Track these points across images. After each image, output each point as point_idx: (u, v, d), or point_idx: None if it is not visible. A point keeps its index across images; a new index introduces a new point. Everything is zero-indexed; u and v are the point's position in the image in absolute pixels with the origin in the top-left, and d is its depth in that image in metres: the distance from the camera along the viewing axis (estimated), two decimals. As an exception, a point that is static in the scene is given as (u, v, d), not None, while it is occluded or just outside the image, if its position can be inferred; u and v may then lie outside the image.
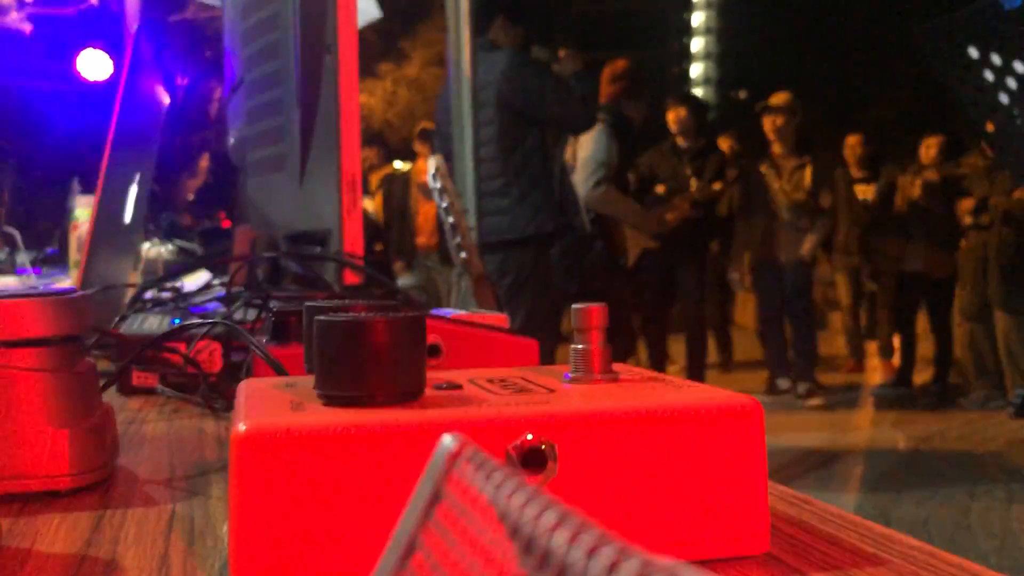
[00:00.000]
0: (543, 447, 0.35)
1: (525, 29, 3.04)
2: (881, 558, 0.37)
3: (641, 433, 0.36)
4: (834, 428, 4.42)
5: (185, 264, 1.74)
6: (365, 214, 0.97)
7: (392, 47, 11.34)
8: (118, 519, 0.45)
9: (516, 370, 0.47)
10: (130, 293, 1.22)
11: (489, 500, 0.18)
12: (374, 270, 0.94)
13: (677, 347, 5.20)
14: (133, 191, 1.28)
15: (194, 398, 0.71)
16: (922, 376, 5.25)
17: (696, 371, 4.88)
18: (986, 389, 4.68)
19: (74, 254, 1.85)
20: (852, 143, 5.52)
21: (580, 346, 0.42)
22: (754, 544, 0.37)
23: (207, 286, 1.14)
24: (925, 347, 5.29)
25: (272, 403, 0.37)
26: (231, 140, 1.38)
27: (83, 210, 1.78)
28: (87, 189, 2.38)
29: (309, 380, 0.42)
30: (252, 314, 0.87)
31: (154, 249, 1.75)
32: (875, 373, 5.67)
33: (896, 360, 5.40)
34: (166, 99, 1.56)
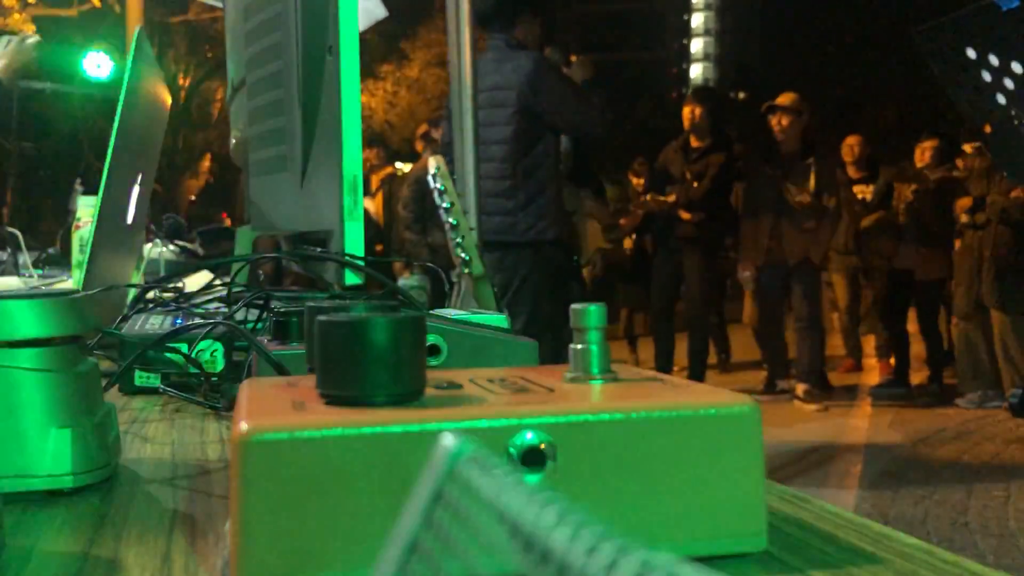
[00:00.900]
0: (543, 446, 0.35)
1: (545, 28, 3.04)
2: (879, 556, 0.37)
3: (640, 433, 0.36)
4: (832, 427, 4.42)
5: (187, 264, 1.74)
6: (366, 214, 0.97)
7: (393, 48, 11.33)
8: (120, 518, 0.45)
9: (516, 370, 0.47)
10: (132, 293, 1.22)
11: (489, 499, 0.18)
12: (374, 270, 0.94)
13: (677, 348, 5.20)
14: (135, 192, 1.28)
15: (196, 398, 0.72)
16: (919, 376, 5.25)
17: (697, 371, 4.89)
18: (983, 388, 4.68)
19: (76, 255, 1.85)
20: (851, 144, 5.52)
21: (580, 346, 0.42)
22: (752, 542, 0.37)
23: (209, 286, 1.14)
24: (921, 346, 5.29)
25: (274, 403, 0.37)
26: (232, 141, 1.39)
27: (85, 210, 1.78)
28: (89, 189, 2.38)
29: (310, 380, 0.42)
30: (253, 314, 0.87)
31: (156, 249, 1.75)
32: (872, 372, 5.67)
33: (893, 359, 5.40)
34: (168, 99, 1.56)
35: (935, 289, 5.09)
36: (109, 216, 1.10)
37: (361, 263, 0.88)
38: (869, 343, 5.90)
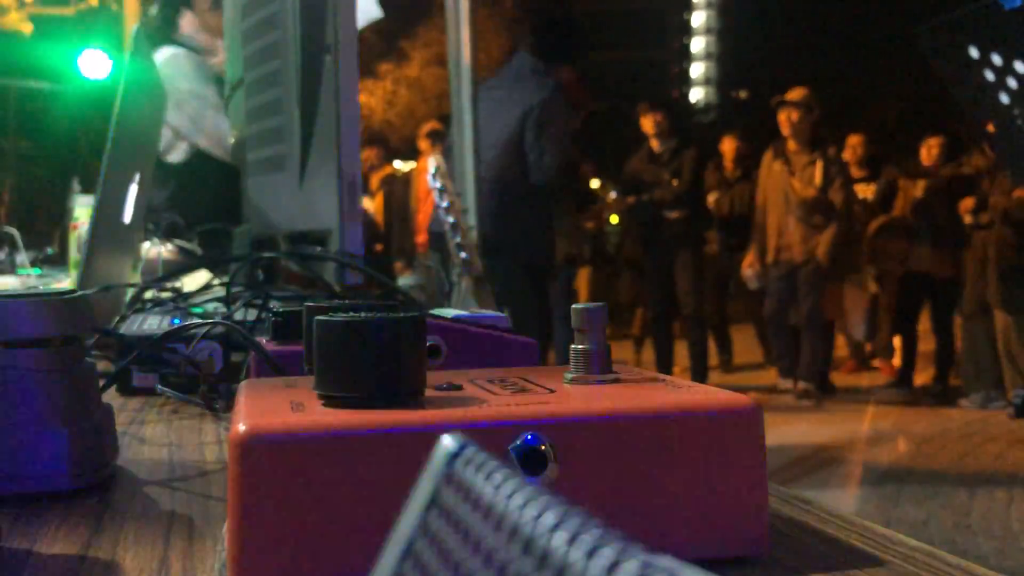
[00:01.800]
0: (543, 447, 0.35)
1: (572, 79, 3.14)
2: (881, 559, 0.37)
3: (641, 433, 0.36)
4: (834, 428, 4.42)
5: (185, 264, 1.74)
6: (365, 214, 0.97)
7: (392, 47, 11.34)
8: (118, 520, 0.45)
9: (516, 370, 0.47)
10: (130, 293, 1.22)
11: (489, 500, 0.18)
12: (374, 270, 0.94)
13: (678, 348, 5.21)
14: (133, 191, 1.28)
15: (194, 399, 0.71)
16: (922, 377, 5.25)
17: (700, 368, 4.89)
18: (986, 389, 4.67)
19: (74, 254, 1.85)
20: (853, 143, 5.51)
21: (580, 346, 0.42)
22: (754, 545, 0.37)
23: (207, 286, 1.14)
24: (926, 347, 5.29)
25: (272, 403, 0.37)
26: (231, 140, 1.38)
27: (83, 210, 1.78)
28: (87, 189, 2.38)
29: (309, 380, 0.42)
30: (252, 314, 0.87)
31: (154, 249, 1.75)
32: (875, 373, 5.67)
33: (897, 360, 5.40)
34: (166, 98, 1.56)
35: (951, 288, 5.07)
36: (107, 215, 1.10)
37: (360, 263, 0.88)
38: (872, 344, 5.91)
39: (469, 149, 2.67)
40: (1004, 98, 1.14)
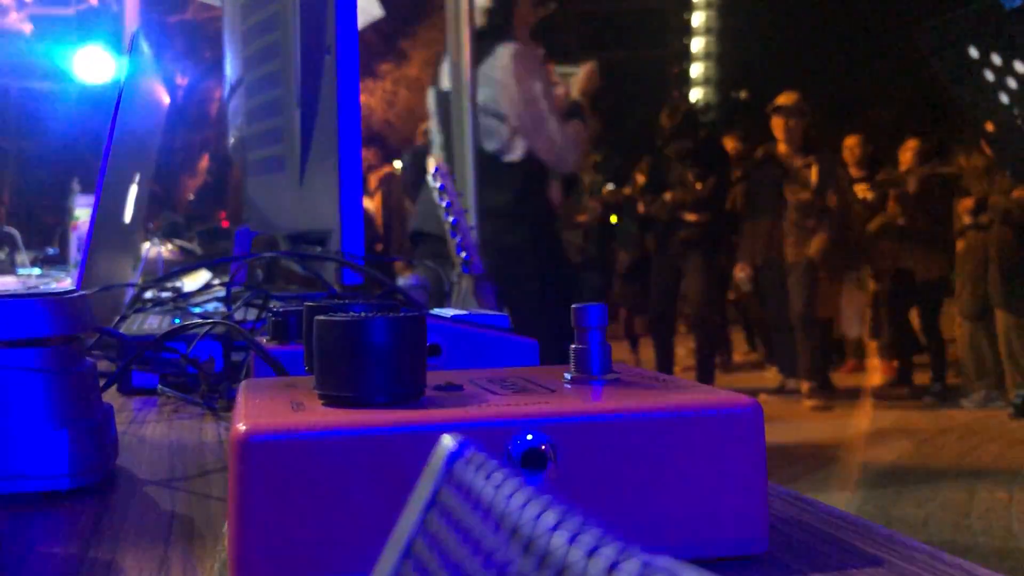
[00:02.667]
0: (543, 447, 0.35)
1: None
2: (881, 559, 0.37)
3: (641, 433, 0.36)
4: (835, 428, 4.42)
5: (185, 264, 1.74)
6: (364, 214, 0.97)
7: (392, 47, 11.33)
8: (118, 520, 0.45)
9: (516, 370, 0.47)
10: (130, 293, 1.22)
11: (489, 501, 0.18)
12: (374, 270, 0.94)
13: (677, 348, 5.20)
14: (133, 191, 1.28)
15: (194, 398, 0.71)
16: (921, 377, 5.25)
17: (705, 371, 4.89)
18: (986, 389, 4.67)
19: (74, 254, 1.85)
20: (851, 144, 5.52)
21: (580, 346, 0.42)
22: (754, 544, 0.37)
23: (207, 286, 1.14)
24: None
25: (272, 403, 0.37)
26: (231, 140, 1.38)
27: (83, 210, 1.78)
28: (87, 189, 2.38)
29: (309, 380, 0.42)
30: (252, 314, 0.87)
31: (154, 249, 1.75)
32: (875, 373, 5.67)
33: (895, 360, 5.40)
34: (166, 99, 1.56)
35: (935, 288, 5.09)
36: (107, 215, 1.10)
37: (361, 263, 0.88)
38: (873, 343, 5.91)
39: (469, 149, 2.66)
40: (1004, 98, 1.14)
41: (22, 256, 2.29)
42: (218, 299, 1.06)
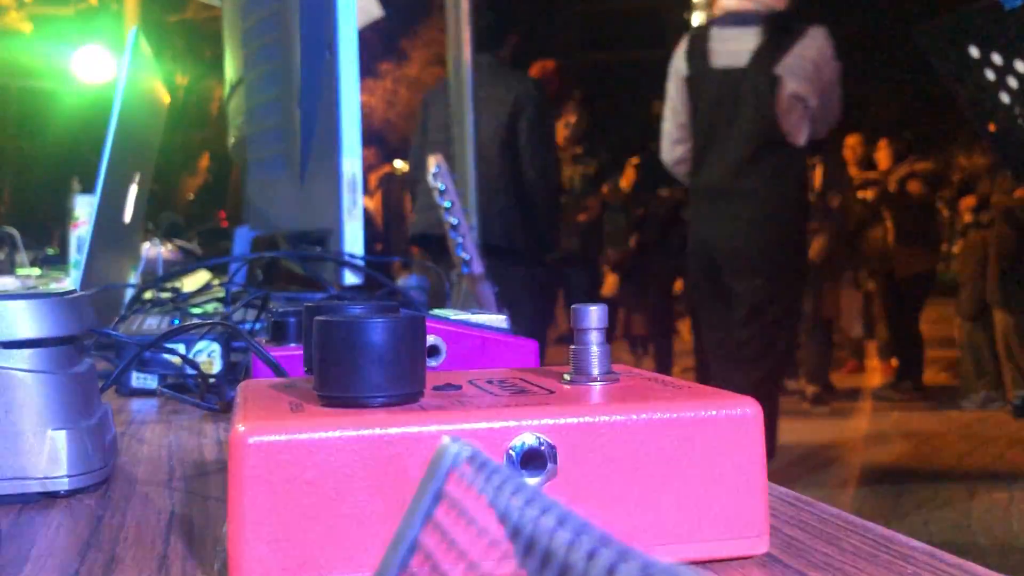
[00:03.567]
0: (543, 448, 0.35)
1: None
2: (881, 559, 0.37)
3: (641, 434, 0.36)
4: (834, 428, 4.42)
5: (185, 265, 1.74)
6: (364, 214, 0.97)
7: (392, 47, 11.33)
8: (117, 521, 0.45)
9: (516, 371, 0.46)
10: (130, 293, 1.22)
11: (489, 502, 0.18)
12: (374, 270, 0.94)
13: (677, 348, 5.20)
14: (133, 191, 1.28)
15: (193, 399, 0.71)
16: (927, 376, 5.25)
17: (706, 372, 4.88)
18: (986, 389, 4.68)
19: (74, 254, 1.85)
20: (852, 143, 5.52)
21: (580, 346, 0.42)
22: (753, 545, 0.37)
23: (207, 287, 1.14)
24: (928, 346, 5.29)
25: (271, 404, 0.37)
26: (231, 140, 1.38)
27: (83, 210, 1.78)
28: (87, 189, 2.37)
29: (308, 381, 0.42)
30: (251, 315, 0.87)
31: (154, 249, 1.75)
32: (875, 373, 5.67)
33: (894, 360, 5.40)
34: (166, 99, 1.56)
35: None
36: (107, 215, 1.10)
37: (361, 262, 0.88)
38: (872, 344, 5.91)
39: (470, 149, 2.66)
40: (1005, 98, 1.14)
41: (22, 256, 2.29)
42: (217, 299, 1.06)
